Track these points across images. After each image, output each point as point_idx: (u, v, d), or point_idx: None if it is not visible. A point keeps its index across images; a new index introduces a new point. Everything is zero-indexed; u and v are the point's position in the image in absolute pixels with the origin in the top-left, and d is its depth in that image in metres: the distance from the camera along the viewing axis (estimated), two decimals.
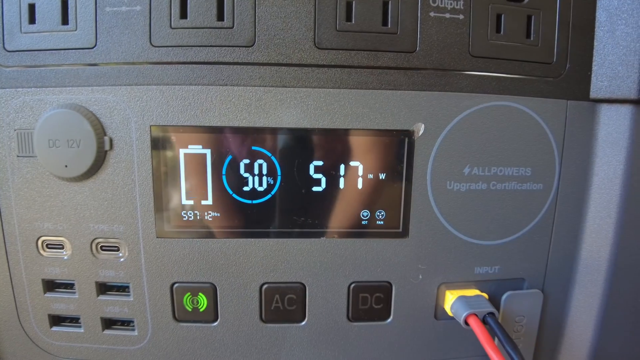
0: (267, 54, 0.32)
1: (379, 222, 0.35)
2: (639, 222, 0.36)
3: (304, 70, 0.33)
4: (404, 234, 0.35)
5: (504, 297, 0.37)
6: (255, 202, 0.34)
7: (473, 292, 0.36)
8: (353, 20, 0.32)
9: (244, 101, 0.33)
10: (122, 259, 0.35)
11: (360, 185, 0.34)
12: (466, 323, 0.34)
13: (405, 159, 0.34)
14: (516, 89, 0.34)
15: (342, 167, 0.34)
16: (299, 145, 0.33)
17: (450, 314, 0.36)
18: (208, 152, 0.33)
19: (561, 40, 0.34)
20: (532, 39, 0.34)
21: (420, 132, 0.34)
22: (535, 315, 0.38)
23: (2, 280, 0.35)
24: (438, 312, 0.37)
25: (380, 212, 0.35)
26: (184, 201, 0.34)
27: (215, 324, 0.36)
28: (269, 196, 0.34)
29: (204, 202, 0.34)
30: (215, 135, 0.33)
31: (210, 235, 0.34)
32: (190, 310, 0.36)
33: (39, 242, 0.34)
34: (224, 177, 0.34)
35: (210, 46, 0.32)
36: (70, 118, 0.32)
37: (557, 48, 0.34)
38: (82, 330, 0.36)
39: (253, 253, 0.35)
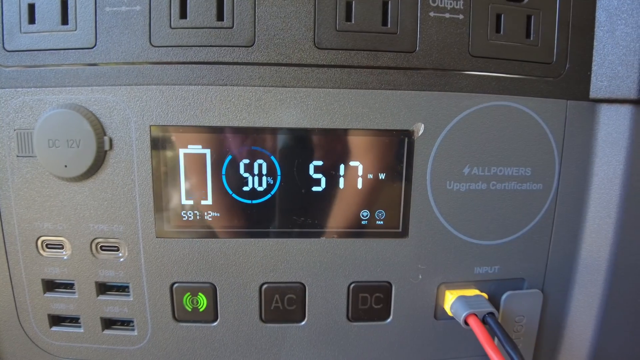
0: (267, 54, 0.32)
1: (379, 222, 0.35)
2: (639, 222, 0.36)
3: (303, 70, 0.33)
4: (404, 234, 0.35)
5: (503, 297, 0.37)
6: (255, 202, 0.34)
7: (473, 292, 0.36)
8: (353, 20, 0.32)
9: (243, 101, 0.33)
10: (121, 259, 0.35)
11: (360, 185, 0.34)
12: (466, 323, 0.34)
13: (405, 158, 0.34)
14: (516, 89, 0.34)
15: (341, 167, 0.34)
16: (299, 145, 0.33)
17: (450, 313, 0.36)
18: (208, 152, 0.33)
19: (561, 40, 0.34)
20: (531, 39, 0.34)
21: (420, 132, 0.34)
22: (535, 315, 0.38)
23: (2, 280, 0.35)
24: (438, 312, 0.37)
25: (380, 212, 0.35)
26: (184, 201, 0.34)
27: (215, 324, 0.36)
28: (268, 196, 0.34)
29: (203, 202, 0.34)
30: (215, 135, 0.33)
31: (210, 235, 0.34)
32: (190, 310, 0.36)
33: (39, 242, 0.34)
34: (223, 177, 0.34)
35: (210, 46, 0.32)
36: (70, 118, 0.32)
37: (557, 48, 0.34)
38: (82, 330, 0.36)
39: (253, 253, 0.35)
